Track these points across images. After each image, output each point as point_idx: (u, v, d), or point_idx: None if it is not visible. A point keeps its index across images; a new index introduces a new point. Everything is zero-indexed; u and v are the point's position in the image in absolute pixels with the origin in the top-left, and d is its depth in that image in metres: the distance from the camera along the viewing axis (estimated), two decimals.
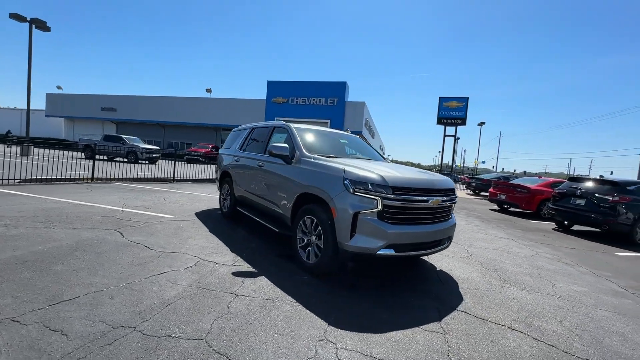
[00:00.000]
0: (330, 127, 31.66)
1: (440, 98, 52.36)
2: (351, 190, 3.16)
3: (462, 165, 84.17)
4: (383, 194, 3.11)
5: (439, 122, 51.91)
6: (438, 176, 3.74)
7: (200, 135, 40.07)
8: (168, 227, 4.97)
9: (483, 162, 59.53)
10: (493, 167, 71.94)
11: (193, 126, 39.58)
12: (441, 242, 3.64)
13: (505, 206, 12.41)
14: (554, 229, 8.92)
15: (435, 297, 3.30)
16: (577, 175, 15.49)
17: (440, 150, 51.32)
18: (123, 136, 20.62)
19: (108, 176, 10.23)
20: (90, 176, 9.64)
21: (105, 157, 16.97)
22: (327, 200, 3.34)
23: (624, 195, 7.50)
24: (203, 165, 21.51)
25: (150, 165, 17.05)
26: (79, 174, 9.70)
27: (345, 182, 3.24)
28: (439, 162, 53.50)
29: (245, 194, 5.33)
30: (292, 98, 32.78)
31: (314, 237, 3.57)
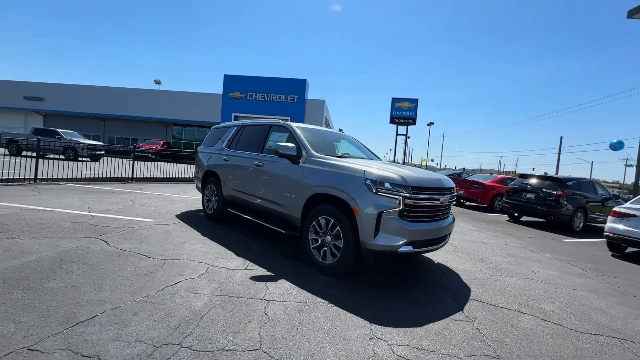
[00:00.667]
0: None
1: (392, 99, 54.84)
2: (374, 191, 3.24)
3: (410, 162, 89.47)
4: (404, 194, 3.24)
5: (392, 121, 54.43)
6: (442, 176, 3.99)
7: (147, 130, 36.98)
8: (155, 233, 4.57)
9: (432, 160, 64.02)
10: (437, 164, 77.65)
11: (139, 120, 36.37)
12: (445, 238, 3.89)
13: (462, 200, 13.55)
14: (507, 221, 10.00)
15: (446, 289, 3.53)
16: (524, 172, 17.42)
17: (393, 148, 53.90)
18: (59, 130, 18.22)
19: (53, 176, 9.00)
20: (33, 176, 8.39)
21: (34, 154, 14.81)
22: (348, 201, 3.37)
23: (565, 189, 8.70)
24: (155, 163, 19.91)
25: (100, 164, 15.32)
26: (16, 173, 8.38)
27: (366, 182, 3.30)
28: (392, 160, 56.37)
29: (237, 194, 5.11)
30: (251, 94, 31.84)
31: (329, 238, 3.58)
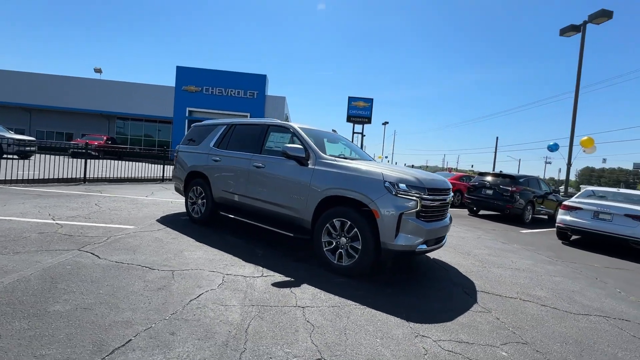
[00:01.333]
0: None
1: (349, 97, 56.08)
2: (394, 193, 3.34)
3: None
4: (420, 195, 3.39)
5: (349, 119, 55.74)
6: (443, 177, 4.25)
7: (85, 123, 33.18)
8: (144, 241, 4.17)
9: (386, 157, 67.02)
10: (389, 161, 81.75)
11: (74, 112, 32.47)
12: (445, 236, 4.16)
13: None
14: (469, 215, 10.94)
15: (454, 283, 3.79)
16: (481, 171, 18.98)
17: None
18: None
19: None
20: None
21: None
22: (367, 203, 3.42)
23: (518, 186, 9.78)
24: (97, 160, 17.96)
25: (32, 162, 13.35)
26: None
27: (385, 184, 3.39)
28: None
29: (231, 196, 4.87)
30: (207, 87, 30.23)
31: (344, 240, 3.61)
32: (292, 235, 4.03)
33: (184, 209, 6.51)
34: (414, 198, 3.36)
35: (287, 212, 4.17)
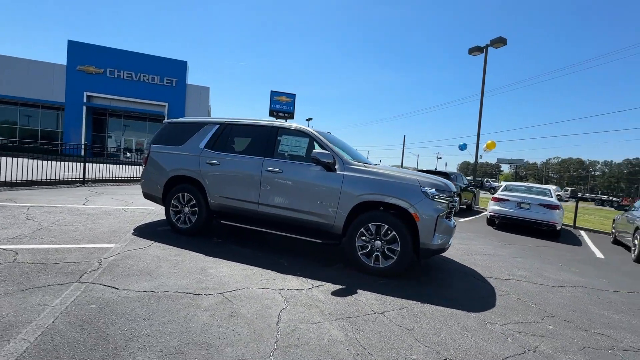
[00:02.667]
0: (170, 113, 27.29)
1: (271, 92, 55.58)
2: (431, 197, 3.66)
3: None
4: (447, 198, 3.80)
5: (271, 114, 55.25)
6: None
7: None
8: (148, 261, 3.55)
9: None
10: None
11: None
12: None
13: None
14: None
15: (464, 273, 4.36)
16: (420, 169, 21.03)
17: None
18: None
19: None
20: None
21: None
22: (406, 207, 3.66)
23: (452, 181, 11.45)
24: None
25: None
26: None
27: (422, 189, 3.68)
28: None
29: (237, 203, 4.48)
30: (113, 70, 25.76)
31: (379, 243, 3.78)
32: (320, 242, 4.00)
33: (149, 219, 5.67)
34: (444, 201, 3.75)
35: (313, 219, 4.10)
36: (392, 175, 3.86)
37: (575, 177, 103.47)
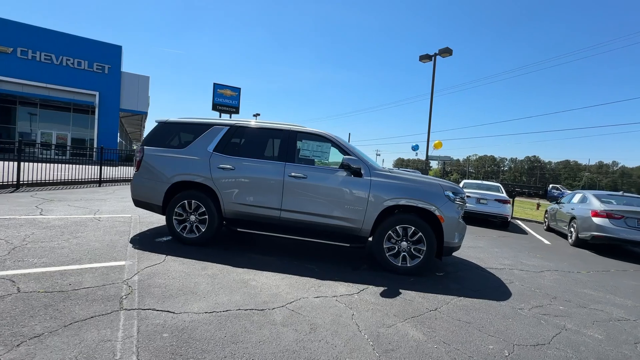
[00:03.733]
0: (101, 103, 24.00)
1: (214, 84, 52.89)
2: (452, 200, 4.03)
3: None
4: (463, 200, 4.22)
5: (214, 108, 52.65)
6: None
7: None
8: (178, 278, 3.26)
9: None
10: None
11: None
12: None
13: None
14: None
15: (466, 265, 4.87)
16: None
17: None
18: None
19: None
20: None
21: None
22: (432, 210, 3.97)
23: None
24: None
25: None
26: None
27: (445, 193, 4.03)
28: None
29: (255, 210, 4.32)
30: (25, 50, 21.64)
31: (404, 244, 4.05)
32: (347, 245, 4.11)
33: (137, 228, 5.13)
34: (461, 203, 4.16)
35: (341, 223, 4.17)
36: (417, 180, 4.14)
37: (490, 172, 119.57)
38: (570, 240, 7.66)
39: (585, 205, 7.40)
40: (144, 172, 4.66)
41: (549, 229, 9.85)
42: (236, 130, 4.60)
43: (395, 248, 4.07)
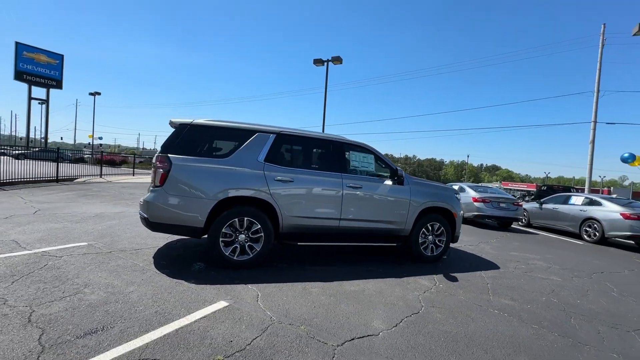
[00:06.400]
0: None
1: (17, 44, 39.29)
2: (458, 200, 5.31)
3: (75, 141, 64.64)
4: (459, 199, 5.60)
5: (19, 77, 39.30)
6: None
7: None
8: (312, 307, 3.10)
9: (100, 138, 51.52)
10: (75, 140, 62.77)
11: None
12: None
13: None
14: None
15: (459, 257, 6.36)
16: None
17: (26, 116, 39.06)
18: None
19: None
20: None
21: None
22: (450, 209, 5.10)
23: None
24: None
25: None
26: None
27: (455, 195, 5.26)
28: (25, 134, 39.81)
29: (317, 222, 4.27)
30: None
31: (431, 237, 5.06)
32: (395, 244, 4.77)
33: (136, 261, 4.02)
34: (461, 201, 5.53)
35: (388, 226, 4.72)
36: (439, 186, 5.23)
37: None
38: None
39: (465, 194, 10.58)
40: (173, 187, 3.69)
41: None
42: (283, 139, 4.32)
43: (425, 242, 5.01)
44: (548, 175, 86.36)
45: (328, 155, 4.57)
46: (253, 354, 2.21)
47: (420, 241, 4.92)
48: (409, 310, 3.15)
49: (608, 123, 18.75)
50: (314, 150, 4.60)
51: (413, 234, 4.86)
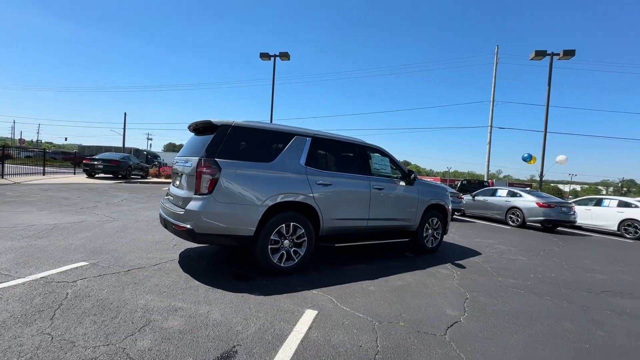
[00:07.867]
0: None
1: None
2: (449, 196, 6.07)
3: None
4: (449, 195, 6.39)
5: None
6: None
7: None
8: (355, 325, 3.31)
9: None
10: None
11: None
12: None
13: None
14: None
15: (451, 250, 7.15)
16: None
17: None
18: None
19: None
20: None
21: None
22: (444, 205, 5.82)
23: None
24: None
25: None
26: None
27: (446, 192, 6.00)
28: None
29: (348, 223, 4.42)
30: None
31: (431, 231, 5.72)
32: (407, 240, 5.26)
33: (161, 263, 3.71)
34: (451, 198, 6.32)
35: (403, 224, 5.17)
36: (436, 185, 5.87)
37: None
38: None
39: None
40: (223, 195, 3.40)
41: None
42: (317, 142, 4.33)
43: (427, 236, 5.62)
44: (449, 170, 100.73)
45: (355, 158, 4.74)
46: (392, 354, 2.32)
47: (425, 234, 5.51)
48: (460, 297, 3.61)
49: (500, 128, 23.77)
50: (343, 153, 4.71)
51: (419, 229, 5.41)
